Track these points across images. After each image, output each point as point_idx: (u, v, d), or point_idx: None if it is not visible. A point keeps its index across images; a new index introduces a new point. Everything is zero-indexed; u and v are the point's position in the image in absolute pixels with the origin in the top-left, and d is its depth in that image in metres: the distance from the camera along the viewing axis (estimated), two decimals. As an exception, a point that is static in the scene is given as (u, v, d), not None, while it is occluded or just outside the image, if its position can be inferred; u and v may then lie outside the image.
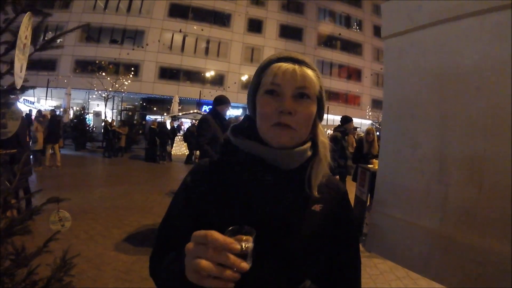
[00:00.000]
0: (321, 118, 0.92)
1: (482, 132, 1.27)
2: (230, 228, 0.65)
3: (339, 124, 6.66)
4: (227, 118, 4.69)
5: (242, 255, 0.61)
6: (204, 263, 0.59)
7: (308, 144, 0.87)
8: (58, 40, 2.12)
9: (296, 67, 0.82)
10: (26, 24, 1.56)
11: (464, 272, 1.31)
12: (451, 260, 1.34)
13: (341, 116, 6.80)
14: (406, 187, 1.56)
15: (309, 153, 0.87)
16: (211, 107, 4.63)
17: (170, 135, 16.15)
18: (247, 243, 0.62)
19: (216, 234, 0.60)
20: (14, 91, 1.67)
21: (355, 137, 11.56)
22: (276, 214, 0.81)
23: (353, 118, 6.91)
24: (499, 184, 1.22)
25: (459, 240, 1.30)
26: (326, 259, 0.87)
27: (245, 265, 0.60)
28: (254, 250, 0.64)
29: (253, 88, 0.89)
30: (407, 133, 1.59)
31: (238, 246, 0.60)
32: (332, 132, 6.72)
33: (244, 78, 31.89)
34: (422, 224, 1.46)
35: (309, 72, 0.83)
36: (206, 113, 5.29)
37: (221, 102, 4.48)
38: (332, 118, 30.51)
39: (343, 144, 6.24)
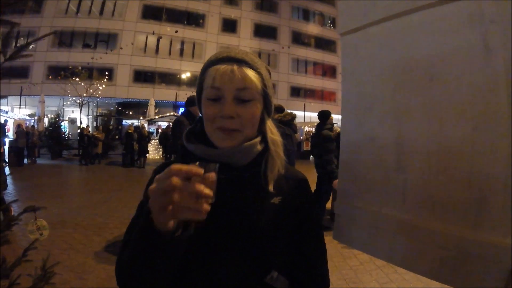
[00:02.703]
0: (269, 114, 0.92)
1: (436, 120, 1.33)
2: (195, 163, 0.64)
3: (320, 121, 5.99)
4: None
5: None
6: (174, 194, 0.57)
7: (257, 139, 0.87)
8: (30, 46, 2.10)
9: (235, 67, 0.80)
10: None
11: (428, 257, 1.36)
12: (414, 245, 1.40)
13: (318, 112, 6.12)
14: (366, 178, 1.64)
15: (259, 147, 0.87)
16: (184, 108, 4.44)
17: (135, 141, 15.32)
18: (211, 174, 0.62)
19: (178, 165, 0.59)
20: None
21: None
22: (236, 210, 0.82)
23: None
24: (456, 170, 1.28)
25: (420, 225, 1.36)
26: (291, 249, 0.89)
27: (210, 192, 0.59)
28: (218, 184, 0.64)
29: (198, 91, 0.89)
30: (364, 126, 1.66)
31: (201, 170, 0.60)
32: (313, 130, 6.17)
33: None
34: (384, 212, 1.53)
35: (249, 72, 0.82)
36: (180, 114, 5.15)
37: (194, 103, 4.26)
38: (309, 115, 30.69)
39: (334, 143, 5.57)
